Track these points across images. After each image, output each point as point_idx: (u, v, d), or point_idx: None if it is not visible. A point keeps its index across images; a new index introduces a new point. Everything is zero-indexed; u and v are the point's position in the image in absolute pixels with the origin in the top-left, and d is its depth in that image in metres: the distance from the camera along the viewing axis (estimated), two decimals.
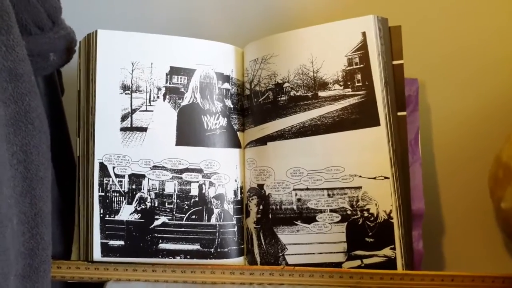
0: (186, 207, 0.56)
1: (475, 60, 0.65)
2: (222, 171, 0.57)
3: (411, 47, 0.58)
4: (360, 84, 0.54)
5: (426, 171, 0.61)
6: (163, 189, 0.56)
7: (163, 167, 0.56)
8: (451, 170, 0.65)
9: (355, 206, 0.54)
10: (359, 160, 0.54)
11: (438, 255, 0.65)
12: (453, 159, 0.65)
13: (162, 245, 0.55)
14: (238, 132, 0.59)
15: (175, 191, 0.56)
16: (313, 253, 0.55)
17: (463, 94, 0.65)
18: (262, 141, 0.58)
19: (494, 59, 0.64)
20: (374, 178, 0.54)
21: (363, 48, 0.55)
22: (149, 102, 0.56)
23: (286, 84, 0.57)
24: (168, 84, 0.56)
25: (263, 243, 0.57)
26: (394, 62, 0.55)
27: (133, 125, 0.55)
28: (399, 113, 0.54)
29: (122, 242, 0.55)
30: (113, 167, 0.55)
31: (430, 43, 0.66)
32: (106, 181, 0.55)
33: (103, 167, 0.55)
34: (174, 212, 0.56)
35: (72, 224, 0.56)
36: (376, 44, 0.54)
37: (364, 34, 0.55)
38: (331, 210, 0.55)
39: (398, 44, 0.55)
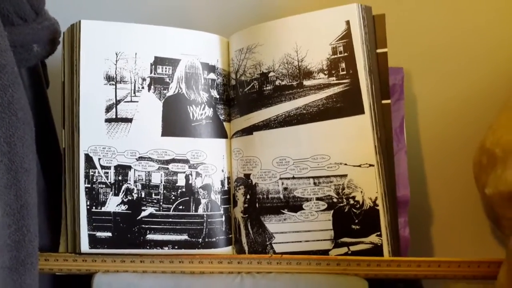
0: (173, 197, 0.56)
1: (461, 50, 0.65)
2: (209, 161, 0.57)
3: (396, 37, 0.58)
4: (345, 72, 0.55)
5: (412, 159, 0.62)
6: (150, 180, 0.56)
7: (149, 158, 0.55)
8: (437, 158, 0.66)
9: (341, 194, 0.54)
10: (344, 148, 0.54)
11: (425, 241, 0.65)
12: (439, 147, 0.66)
13: (150, 236, 0.55)
14: (224, 122, 0.59)
15: (161, 182, 0.56)
16: (300, 241, 0.55)
17: (448, 83, 0.66)
18: (248, 131, 0.58)
19: (479, 49, 0.65)
20: (359, 166, 0.54)
21: (347, 36, 0.55)
22: (134, 92, 0.55)
23: (271, 74, 0.57)
24: (152, 75, 0.56)
25: (251, 232, 0.57)
26: (378, 51, 0.55)
27: (118, 116, 0.55)
28: (383, 101, 0.54)
29: (109, 234, 0.55)
30: (99, 159, 0.55)
31: (416, 32, 0.66)
32: (92, 173, 0.55)
33: (88, 158, 0.55)
34: (161, 203, 0.56)
35: (59, 216, 0.56)
36: (360, 33, 0.55)
37: (348, 22, 0.55)
38: (317, 198, 0.55)
39: (382, 33, 0.55)
